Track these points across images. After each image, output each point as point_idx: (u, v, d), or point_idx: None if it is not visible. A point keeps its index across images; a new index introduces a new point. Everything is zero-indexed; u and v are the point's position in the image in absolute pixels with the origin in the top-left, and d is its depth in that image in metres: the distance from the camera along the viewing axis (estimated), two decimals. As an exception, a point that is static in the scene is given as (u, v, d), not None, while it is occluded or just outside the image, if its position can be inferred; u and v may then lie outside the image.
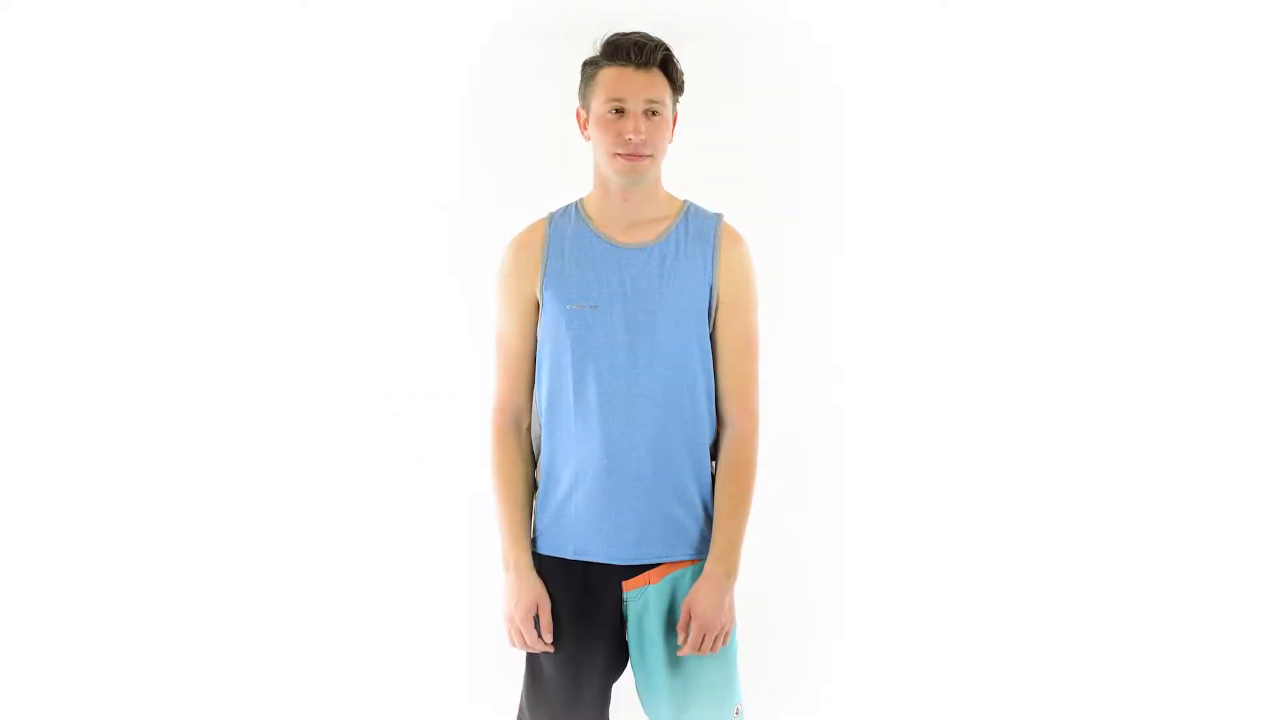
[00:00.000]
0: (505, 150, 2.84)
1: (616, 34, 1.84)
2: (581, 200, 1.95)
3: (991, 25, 2.78)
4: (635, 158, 1.82)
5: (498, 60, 2.81)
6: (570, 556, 1.89)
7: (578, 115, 1.90)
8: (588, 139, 1.89)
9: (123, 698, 2.75)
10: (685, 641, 1.84)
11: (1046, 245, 2.81)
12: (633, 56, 1.80)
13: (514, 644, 1.91)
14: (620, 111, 1.81)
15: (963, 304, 2.84)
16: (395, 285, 2.85)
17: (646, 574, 1.88)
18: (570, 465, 1.87)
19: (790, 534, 2.86)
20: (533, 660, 1.95)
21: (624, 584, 1.88)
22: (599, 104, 1.82)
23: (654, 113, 1.82)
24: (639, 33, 1.84)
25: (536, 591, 1.88)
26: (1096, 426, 2.79)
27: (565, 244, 1.89)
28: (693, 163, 2.72)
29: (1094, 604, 2.80)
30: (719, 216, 1.94)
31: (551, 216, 1.94)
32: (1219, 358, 2.74)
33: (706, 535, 1.89)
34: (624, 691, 2.01)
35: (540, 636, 1.87)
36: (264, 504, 2.82)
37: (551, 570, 1.90)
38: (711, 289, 1.87)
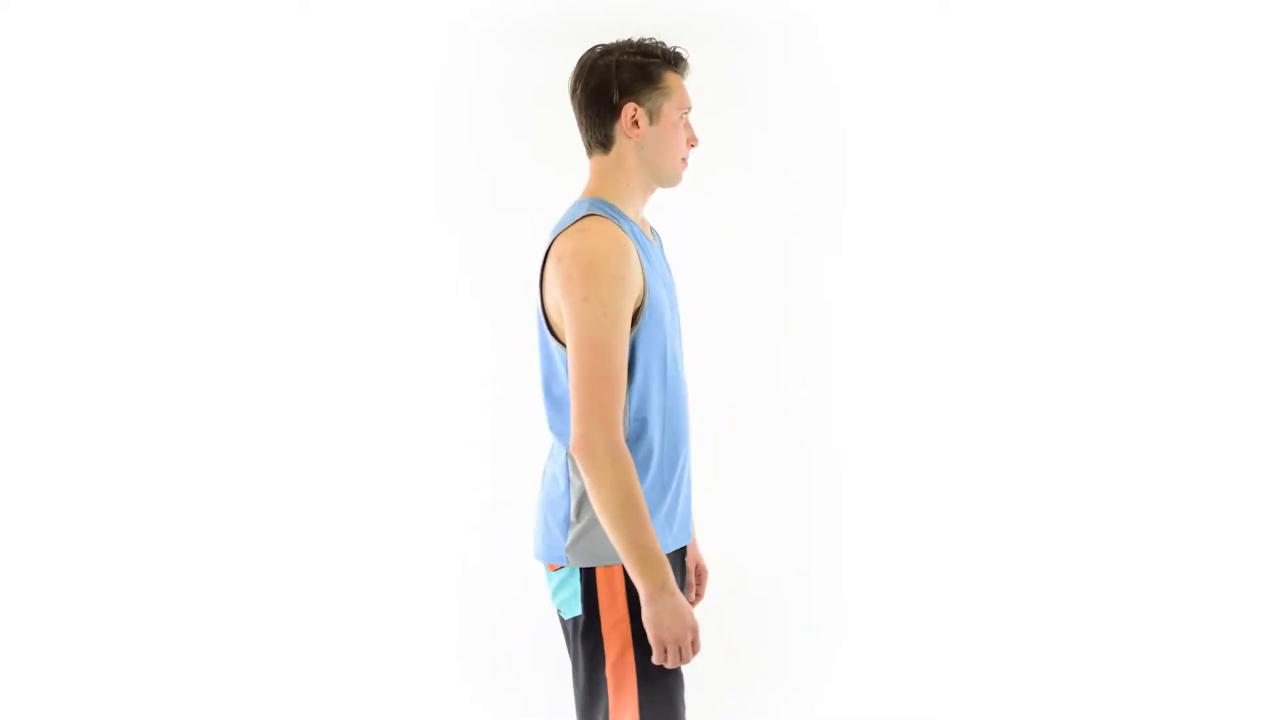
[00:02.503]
0: (505, 150, 2.84)
1: (662, 42, 1.88)
2: (603, 197, 1.86)
3: (991, 25, 2.78)
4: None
5: (495, 60, 2.82)
6: (673, 547, 1.90)
7: (631, 111, 1.83)
8: (636, 137, 1.84)
9: (117, 698, 2.75)
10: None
11: (1046, 245, 2.81)
12: (686, 68, 1.90)
13: (680, 663, 1.77)
14: (682, 120, 1.89)
15: (963, 303, 2.84)
16: (394, 287, 2.85)
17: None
18: (682, 463, 1.91)
19: (790, 534, 2.87)
20: (661, 677, 1.82)
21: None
22: (671, 109, 1.86)
23: None
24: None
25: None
26: (1095, 427, 2.79)
27: (642, 244, 1.85)
28: (691, 162, 2.72)
29: (1093, 603, 2.80)
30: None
31: (608, 214, 1.81)
32: (1218, 356, 2.74)
33: None
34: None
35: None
36: (265, 506, 2.82)
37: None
38: None
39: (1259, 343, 2.73)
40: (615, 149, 1.85)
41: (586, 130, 1.87)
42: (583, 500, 1.82)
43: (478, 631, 2.86)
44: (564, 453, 1.84)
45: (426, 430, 2.86)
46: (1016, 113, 2.79)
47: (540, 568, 1.93)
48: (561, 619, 1.87)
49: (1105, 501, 2.79)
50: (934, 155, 2.83)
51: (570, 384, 1.73)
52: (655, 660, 1.77)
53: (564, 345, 1.78)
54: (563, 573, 1.84)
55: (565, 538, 1.83)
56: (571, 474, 1.84)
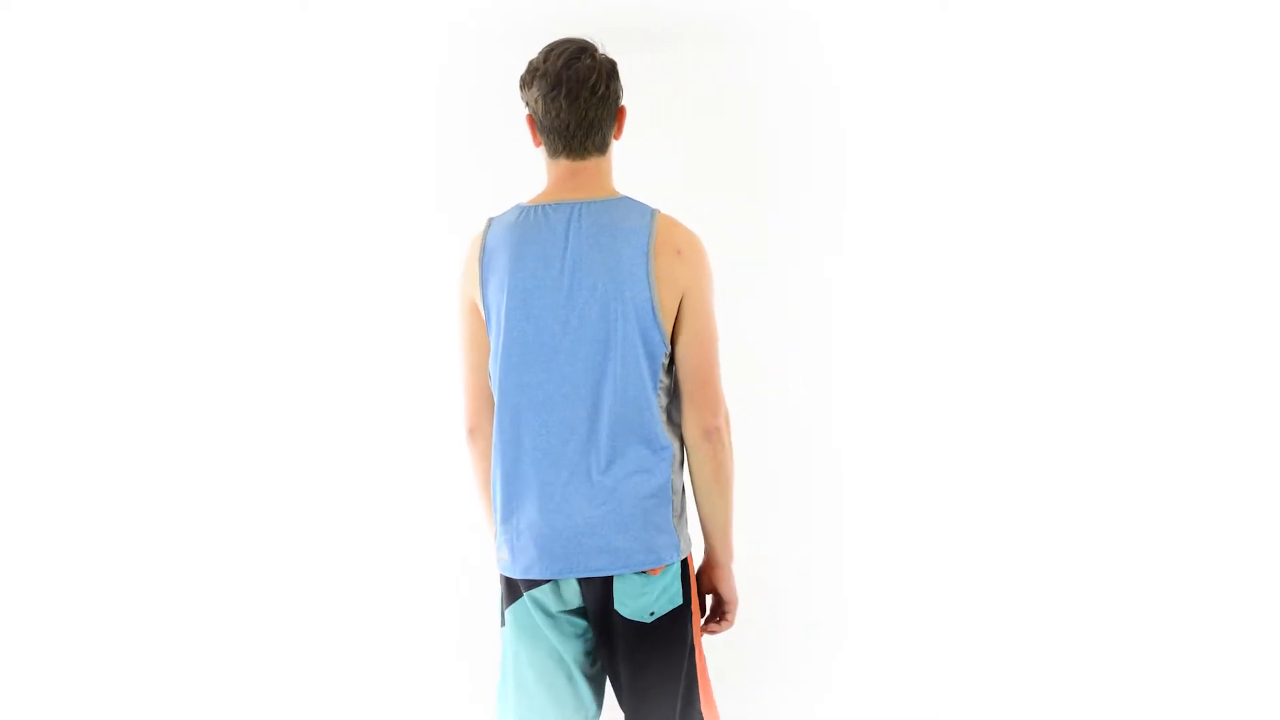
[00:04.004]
0: (505, 150, 2.84)
1: None
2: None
3: (991, 25, 2.78)
4: None
5: (495, 60, 2.81)
6: None
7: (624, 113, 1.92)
8: (618, 139, 1.92)
9: (118, 698, 2.75)
10: None
11: (1046, 244, 2.81)
12: None
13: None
14: None
15: (963, 303, 2.84)
16: (394, 287, 2.85)
17: None
18: None
19: (790, 534, 2.87)
20: None
21: None
22: None
23: None
24: None
25: None
26: (1095, 427, 2.79)
27: None
28: (691, 162, 2.73)
29: (1093, 602, 2.80)
30: None
31: None
32: (1218, 356, 2.74)
33: None
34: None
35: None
36: (264, 507, 2.82)
37: None
38: None
39: (1259, 343, 2.73)
40: (609, 150, 1.88)
41: (596, 131, 1.83)
42: (682, 492, 1.86)
43: (478, 631, 2.86)
44: (670, 448, 1.81)
45: (427, 430, 2.86)
46: (1017, 112, 2.79)
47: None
48: (643, 625, 1.79)
49: (1105, 501, 2.79)
50: (934, 155, 2.83)
51: (705, 370, 1.82)
52: (728, 625, 1.93)
53: (667, 336, 1.80)
54: (671, 569, 1.81)
55: (676, 533, 1.82)
56: (675, 469, 1.84)
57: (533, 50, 1.88)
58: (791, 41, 2.85)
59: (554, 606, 1.82)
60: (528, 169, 2.77)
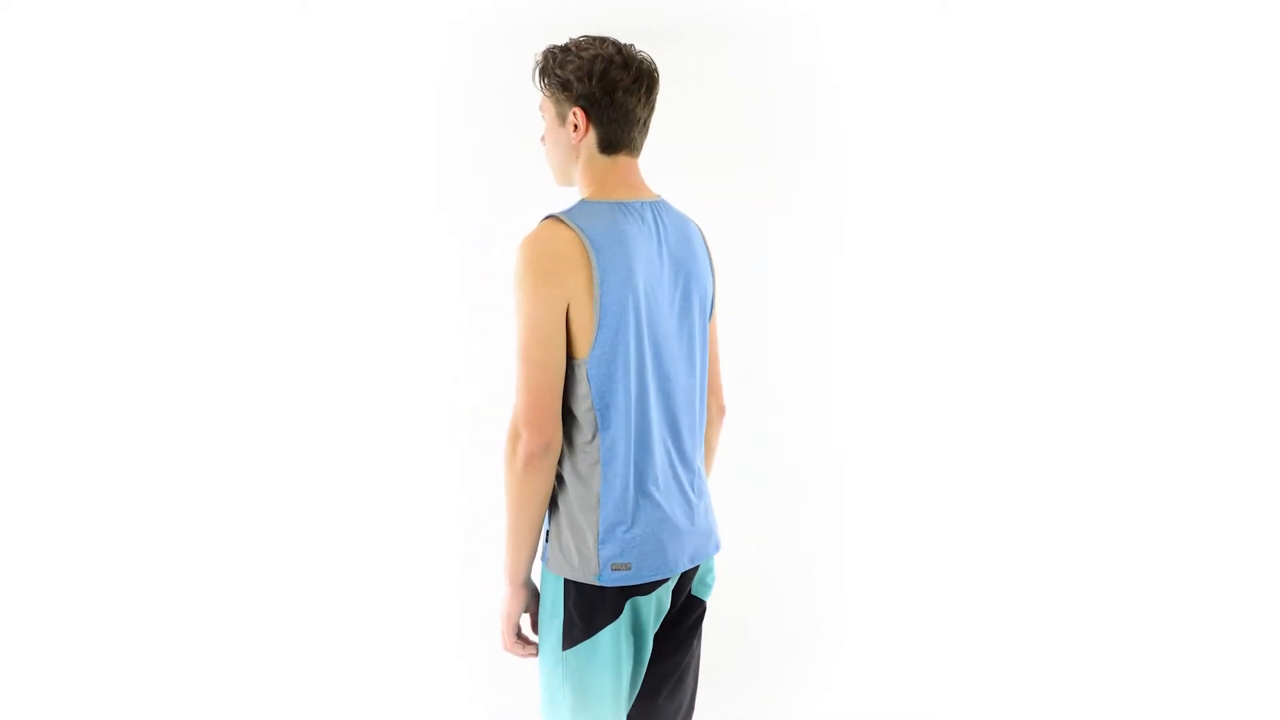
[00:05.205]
0: (505, 150, 2.84)
1: None
2: None
3: (991, 25, 2.78)
4: None
5: (495, 60, 2.82)
6: None
7: None
8: None
9: (117, 699, 2.75)
10: None
11: (1046, 244, 2.81)
12: None
13: None
14: None
15: (963, 303, 2.84)
16: (395, 287, 2.85)
17: None
18: None
19: (790, 534, 2.87)
20: None
21: None
22: None
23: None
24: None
25: None
26: (1094, 427, 2.79)
27: None
28: (691, 162, 2.72)
29: (1091, 602, 2.80)
30: None
31: None
32: (1218, 356, 2.74)
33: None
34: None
35: None
36: (264, 506, 2.82)
37: None
38: None
39: (1259, 343, 2.73)
40: None
41: (645, 131, 1.78)
42: None
43: (478, 631, 2.86)
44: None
45: (427, 429, 2.86)
46: (1016, 112, 2.79)
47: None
48: (704, 605, 1.87)
49: (1104, 501, 2.79)
50: (934, 155, 2.83)
51: (716, 355, 1.90)
52: None
53: None
54: None
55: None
56: None
57: (532, 50, 1.86)
58: (791, 41, 2.85)
59: (666, 602, 1.77)
60: (528, 169, 2.78)
